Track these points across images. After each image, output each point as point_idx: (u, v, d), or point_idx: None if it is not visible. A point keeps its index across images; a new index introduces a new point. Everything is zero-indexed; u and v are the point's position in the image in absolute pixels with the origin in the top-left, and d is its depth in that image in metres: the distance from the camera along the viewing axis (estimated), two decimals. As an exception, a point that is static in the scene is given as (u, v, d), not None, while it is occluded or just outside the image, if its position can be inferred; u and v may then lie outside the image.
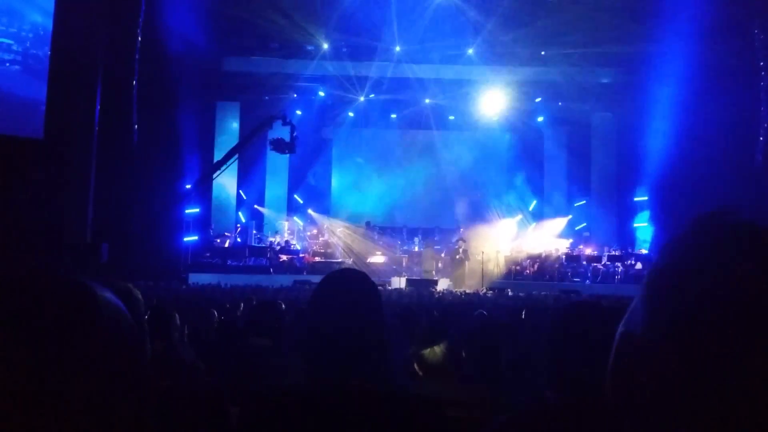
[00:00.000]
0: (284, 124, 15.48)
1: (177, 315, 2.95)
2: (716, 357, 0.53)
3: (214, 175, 15.91)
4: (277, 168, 19.40)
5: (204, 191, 16.60)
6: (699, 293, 0.56)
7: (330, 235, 18.46)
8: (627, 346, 0.60)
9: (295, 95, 18.90)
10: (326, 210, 19.64)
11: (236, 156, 15.76)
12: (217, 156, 18.35)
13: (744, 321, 0.53)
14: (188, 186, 15.69)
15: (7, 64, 12.83)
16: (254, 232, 18.26)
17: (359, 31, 16.36)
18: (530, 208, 19.38)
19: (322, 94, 18.64)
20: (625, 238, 17.82)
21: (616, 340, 0.62)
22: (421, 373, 2.56)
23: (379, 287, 1.54)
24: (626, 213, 18.18)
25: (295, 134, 15.54)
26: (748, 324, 0.53)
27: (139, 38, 14.18)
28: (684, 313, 0.56)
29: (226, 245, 17.05)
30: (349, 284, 1.47)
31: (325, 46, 17.14)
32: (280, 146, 15.54)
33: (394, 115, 19.54)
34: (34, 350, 0.59)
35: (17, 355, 0.59)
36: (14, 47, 12.95)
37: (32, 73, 12.97)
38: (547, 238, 17.85)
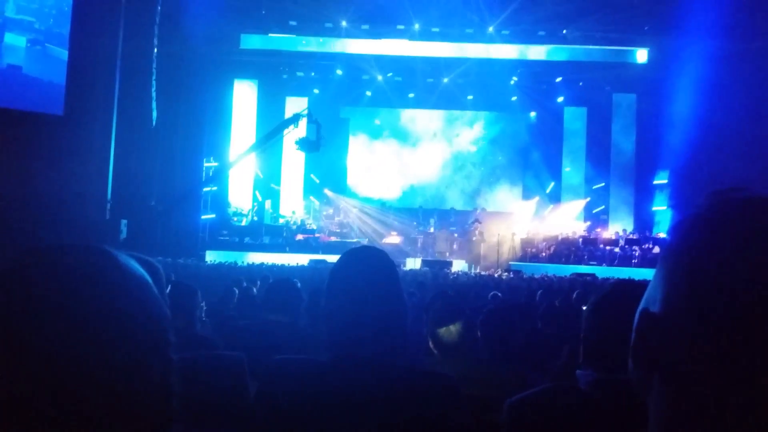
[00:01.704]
0: (310, 121, 15.37)
1: (198, 292, 2.99)
2: (735, 333, 0.53)
3: (231, 167, 16.07)
4: (293, 147, 19.43)
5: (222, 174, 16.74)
6: (715, 268, 0.55)
7: (346, 215, 18.52)
8: (646, 324, 0.60)
9: (313, 73, 18.83)
10: (342, 190, 19.66)
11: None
12: (235, 133, 18.47)
13: (763, 295, 0.52)
14: (213, 162, 15.86)
15: (29, 45, 12.67)
16: (270, 210, 18.36)
17: (378, 9, 16.20)
18: (547, 190, 19.24)
19: (339, 72, 18.54)
20: (644, 221, 17.66)
21: (636, 318, 0.61)
22: (436, 352, 2.58)
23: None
24: (645, 196, 17.99)
25: (320, 132, 15.41)
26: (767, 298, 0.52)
27: (158, 16, 14.18)
28: (701, 289, 0.55)
29: (243, 224, 17.19)
30: (369, 261, 1.48)
31: (344, 23, 17.01)
32: (305, 145, 15.45)
33: (411, 94, 19.40)
34: (63, 319, 0.60)
35: (46, 321, 0.60)
36: (36, 25, 12.80)
37: (55, 53, 12.84)
38: (564, 220, 17.75)
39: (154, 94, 14.21)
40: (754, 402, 0.52)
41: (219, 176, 16.18)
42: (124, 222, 12.78)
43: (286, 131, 15.39)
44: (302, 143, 15.36)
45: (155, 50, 14.19)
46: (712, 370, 0.54)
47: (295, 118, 15.37)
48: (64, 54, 12.83)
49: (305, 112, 15.49)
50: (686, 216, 0.61)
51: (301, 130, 15.41)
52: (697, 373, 0.55)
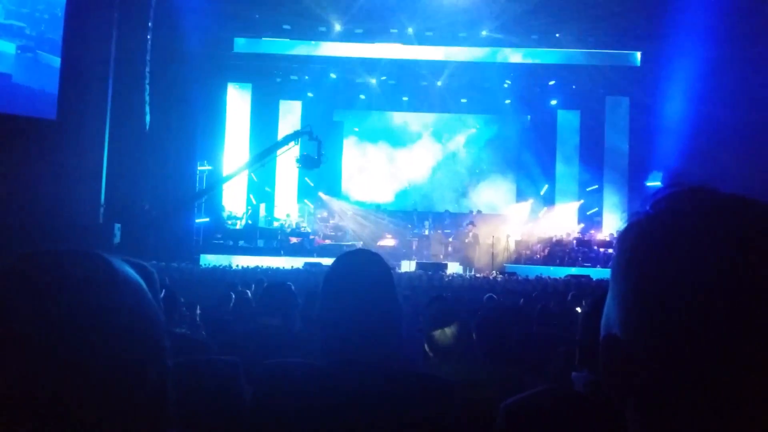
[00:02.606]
0: (311, 139, 15.34)
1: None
2: (692, 349, 0.50)
3: (225, 183, 16.04)
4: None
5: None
6: (659, 281, 0.52)
7: (340, 218, 18.51)
8: (611, 351, 0.56)
9: (307, 77, 18.83)
10: (336, 193, 19.65)
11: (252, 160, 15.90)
12: (229, 137, 18.45)
13: (712, 304, 0.49)
14: (207, 166, 15.82)
15: (19, 51, 12.21)
16: (264, 214, 18.33)
17: (372, 13, 16.23)
18: (541, 192, 19.29)
19: (333, 76, 18.54)
20: (638, 223, 17.71)
21: (600, 345, 0.58)
22: (431, 355, 2.58)
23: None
24: (638, 197, 18.03)
25: (321, 149, 15.38)
26: (716, 306, 0.49)
27: (152, 20, 14.16)
28: (650, 306, 0.52)
29: (237, 227, 17.15)
30: (363, 264, 1.48)
31: (338, 27, 17.03)
32: (307, 162, 15.46)
33: (405, 98, 19.42)
34: (58, 325, 0.60)
35: (40, 327, 0.59)
36: (27, 31, 12.44)
37: (47, 61, 12.43)
38: (558, 222, 17.80)
39: (147, 98, 14.17)
40: (722, 413, 0.50)
41: (214, 186, 16.14)
42: (117, 226, 12.72)
43: (285, 148, 15.40)
44: (303, 160, 15.39)
45: (149, 54, 14.16)
46: (675, 386, 0.52)
47: (296, 135, 15.36)
48: (56, 61, 12.49)
49: (307, 129, 15.46)
50: (624, 228, 0.58)
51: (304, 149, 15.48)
52: (663, 391, 0.52)
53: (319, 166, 15.61)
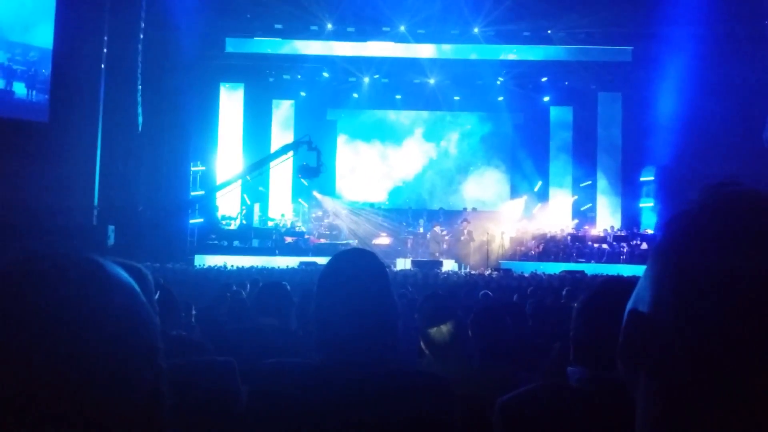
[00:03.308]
0: (310, 149, 15.34)
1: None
2: (722, 334, 0.51)
3: (221, 192, 16.00)
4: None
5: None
6: (702, 268, 0.53)
7: (335, 217, 18.49)
8: (634, 324, 0.58)
9: (300, 76, 18.79)
10: (331, 191, 19.61)
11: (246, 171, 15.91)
12: (222, 137, 18.41)
13: (754, 299, 0.51)
14: (200, 167, 15.80)
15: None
16: (259, 214, 18.29)
17: (364, 11, 16.22)
18: (535, 189, 19.32)
19: (326, 75, 18.51)
20: (631, 217, 17.80)
21: (624, 318, 0.59)
22: (428, 352, 2.58)
23: (385, 269, 1.55)
24: (632, 193, 18.14)
25: (320, 159, 15.39)
26: (758, 303, 0.51)
27: (143, 21, 14.11)
28: (688, 289, 0.54)
29: (232, 227, 17.11)
30: (359, 262, 1.48)
31: (330, 26, 17.00)
32: (307, 172, 15.51)
33: (398, 96, 19.42)
34: (50, 330, 0.60)
35: (33, 333, 0.59)
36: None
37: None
38: (552, 218, 17.84)
39: (139, 99, 14.12)
40: (740, 402, 0.51)
41: (209, 193, 16.10)
42: (111, 228, 12.69)
43: (284, 157, 15.40)
44: (303, 171, 15.42)
45: (140, 56, 14.11)
46: (698, 371, 0.53)
47: (295, 145, 15.35)
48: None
49: (305, 139, 15.46)
50: (675, 213, 0.60)
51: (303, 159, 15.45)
52: (683, 373, 0.53)
53: (319, 176, 15.65)
